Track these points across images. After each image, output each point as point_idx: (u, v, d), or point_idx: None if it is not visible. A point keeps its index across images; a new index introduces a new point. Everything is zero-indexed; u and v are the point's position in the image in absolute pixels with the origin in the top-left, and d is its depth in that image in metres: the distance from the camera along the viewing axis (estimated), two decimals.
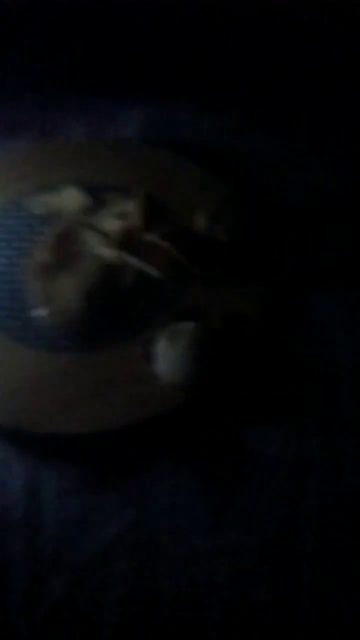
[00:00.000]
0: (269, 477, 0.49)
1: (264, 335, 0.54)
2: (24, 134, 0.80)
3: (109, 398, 0.50)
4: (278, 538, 0.48)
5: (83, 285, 0.56)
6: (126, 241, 0.59)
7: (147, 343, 0.52)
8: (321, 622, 0.45)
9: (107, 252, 0.58)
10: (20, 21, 0.86)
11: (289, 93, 0.85)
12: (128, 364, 0.52)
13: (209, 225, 0.61)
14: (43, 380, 0.52)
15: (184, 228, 0.60)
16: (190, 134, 0.79)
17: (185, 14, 0.86)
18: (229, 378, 0.52)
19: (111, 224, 0.61)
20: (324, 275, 0.61)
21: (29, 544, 0.47)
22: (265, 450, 0.50)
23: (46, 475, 0.49)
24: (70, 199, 0.65)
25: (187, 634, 0.45)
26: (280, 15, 0.84)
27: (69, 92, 0.86)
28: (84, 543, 0.47)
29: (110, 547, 0.47)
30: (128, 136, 0.80)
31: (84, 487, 0.49)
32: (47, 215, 0.64)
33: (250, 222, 0.62)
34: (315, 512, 0.48)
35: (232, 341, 0.53)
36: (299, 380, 0.54)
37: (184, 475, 0.49)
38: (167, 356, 0.51)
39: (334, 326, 0.56)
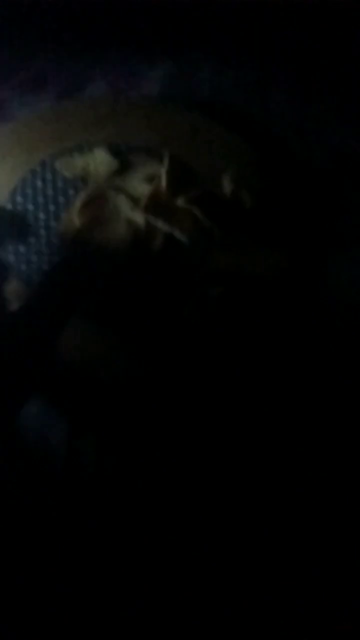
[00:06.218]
0: None
1: (285, 297, 0.57)
2: (49, 89, 0.80)
3: None
4: None
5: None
6: (155, 205, 0.60)
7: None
8: None
9: (137, 216, 0.60)
10: None
11: (308, 51, 0.84)
12: None
13: (234, 189, 0.62)
14: None
15: (210, 192, 0.62)
16: (211, 91, 0.79)
17: None
18: (252, 341, 0.55)
19: (140, 187, 0.63)
20: (342, 238, 0.63)
21: None
22: None
23: None
24: (99, 161, 0.66)
25: None
26: None
27: (93, 48, 0.85)
28: None
29: None
30: (150, 93, 0.80)
31: None
32: (76, 178, 0.66)
33: (274, 186, 0.64)
34: None
35: (255, 302, 0.56)
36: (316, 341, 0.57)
37: None
38: (196, 316, 0.54)
39: (351, 288, 0.59)
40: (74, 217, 0.61)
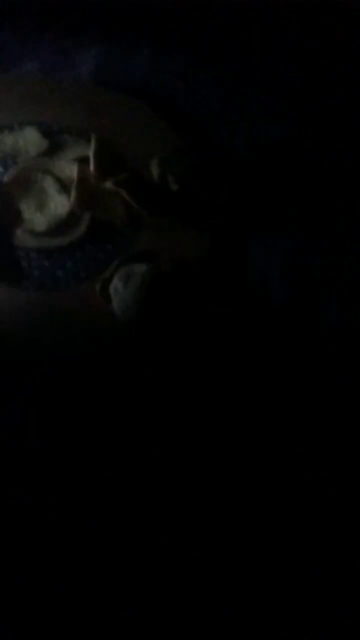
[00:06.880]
0: None
1: (208, 277, 0.61)
2: None
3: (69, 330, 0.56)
4: None
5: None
6: (82, 188, 0.62)
7: (104, 283, 0.58)
8: None
9: (63, 199, 0.62)
10: None
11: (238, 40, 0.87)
12: (87, 301, 0.58)
13: (161, 174, 0.65)
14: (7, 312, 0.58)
15: (137, 175, 0.65)
16: (142, 76, 0.81)
17: None
18: (175, 315, 0.59)
19: (67, 170, 0.65)
20: (263, 223, 0.68)
21: None
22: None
23: None
24: (29, 140, 0.67)
25: None
26: None
27: (25, 28, 0.85)
28: None
29: None
30: (82, 75, 0.81)
31: None
32: (5, 156, 0.66)
33: (199, 171, 0.67)
34: None
35: (180, 282, 0.59)
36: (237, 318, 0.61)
37: None
38: (120, 295, 0.57)
39: (268, 270, 0.64)
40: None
